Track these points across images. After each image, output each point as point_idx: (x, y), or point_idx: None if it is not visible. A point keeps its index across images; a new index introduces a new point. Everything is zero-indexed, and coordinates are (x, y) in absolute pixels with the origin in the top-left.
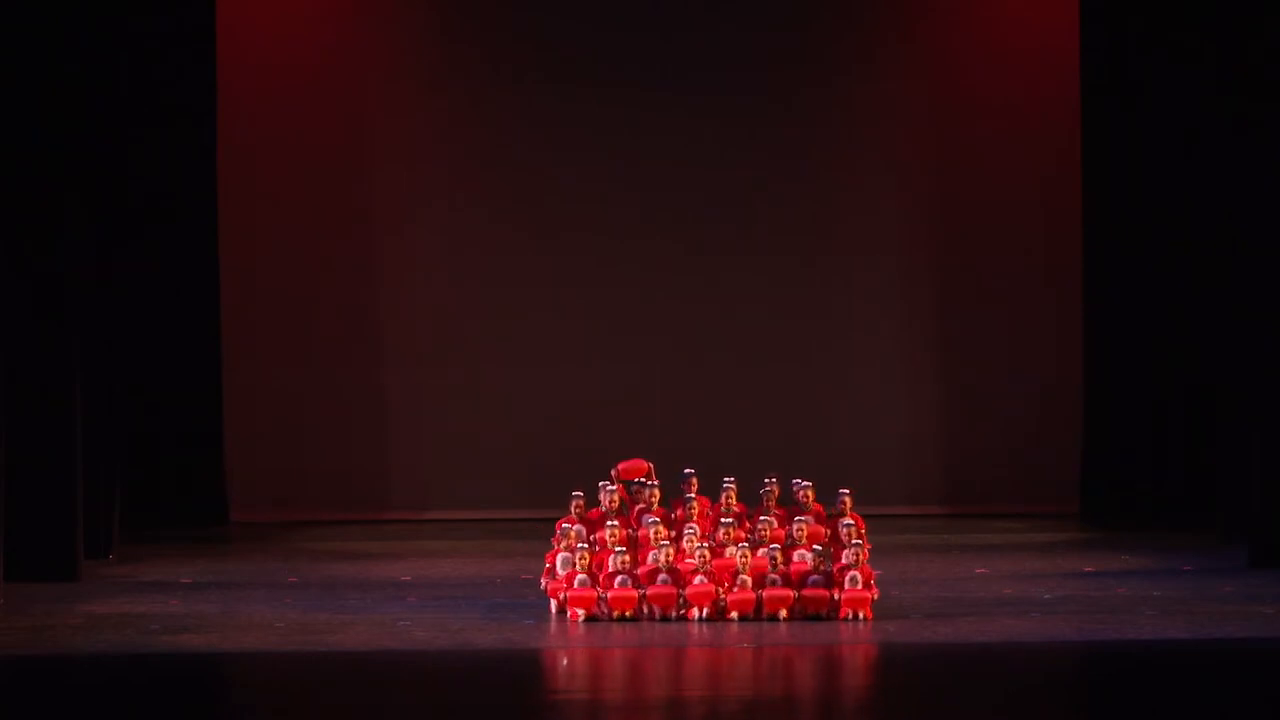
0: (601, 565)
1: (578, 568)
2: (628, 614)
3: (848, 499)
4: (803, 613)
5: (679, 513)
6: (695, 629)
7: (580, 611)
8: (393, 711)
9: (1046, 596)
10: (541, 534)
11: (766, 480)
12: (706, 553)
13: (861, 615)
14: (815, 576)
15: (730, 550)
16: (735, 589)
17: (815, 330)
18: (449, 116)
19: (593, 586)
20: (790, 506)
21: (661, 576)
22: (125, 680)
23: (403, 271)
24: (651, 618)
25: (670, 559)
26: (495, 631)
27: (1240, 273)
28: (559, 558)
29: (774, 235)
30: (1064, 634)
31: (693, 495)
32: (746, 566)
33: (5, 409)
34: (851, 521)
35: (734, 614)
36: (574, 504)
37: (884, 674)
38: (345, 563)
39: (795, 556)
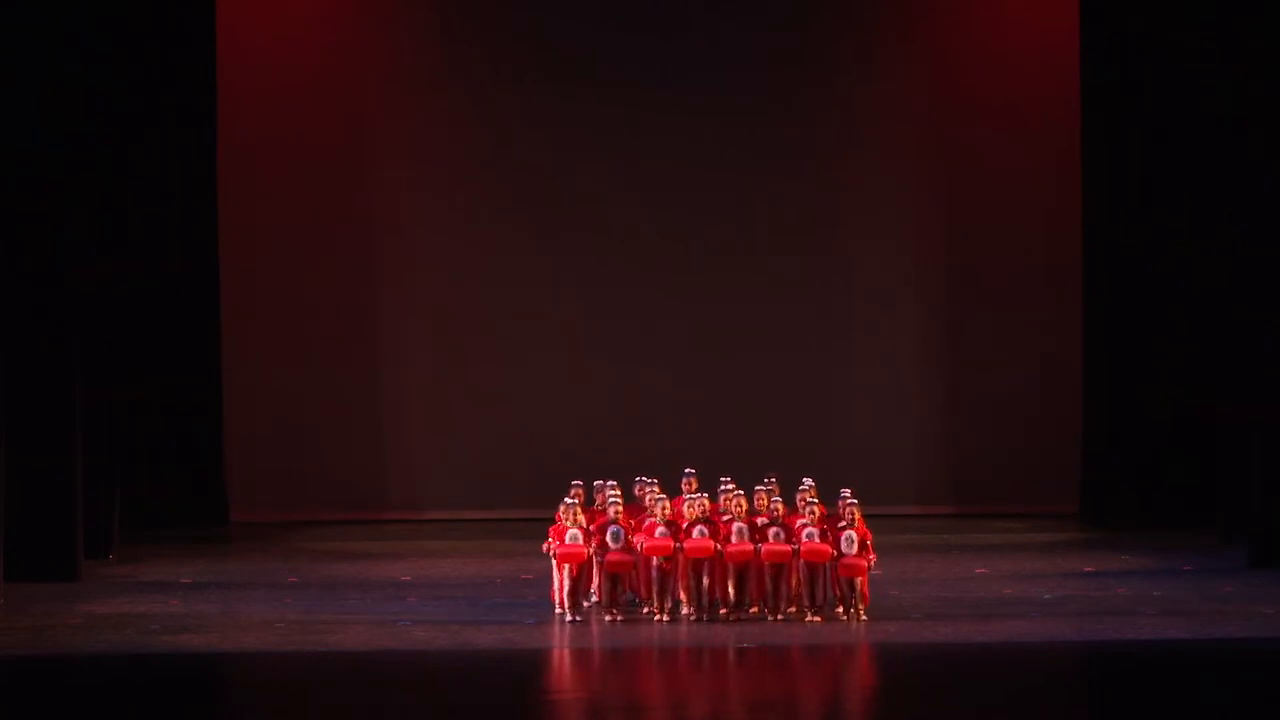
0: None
1: (570, 523)
2: (621, 591)
3: (853, 507)
4: (803, 605)
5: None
6: (694, 629)
7: (567, 568)
8: (393, 711)
9: (1046, 596)
10: (542, 534)
11: (766, 479)
12: (706, 501)
13: (857, 605)
14: (811, 530)
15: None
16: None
17: (815, 331)
18: (449, 116)
19: (585, 544)
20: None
21: (660, 530)
22: (125, 680)
23: (402, 272)
24: (645, 585)
25: (666, 512)
26: (495, 631)
27: (1240, 273)
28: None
29: (774, 235)
30: (1064, 634)
31: (694, 495)
32: (742, 512)
33: (5, 409)
34: (850, 529)
35: (729, 587)
36: (572, 492)
37: (884, 674)
38: (345, 563)
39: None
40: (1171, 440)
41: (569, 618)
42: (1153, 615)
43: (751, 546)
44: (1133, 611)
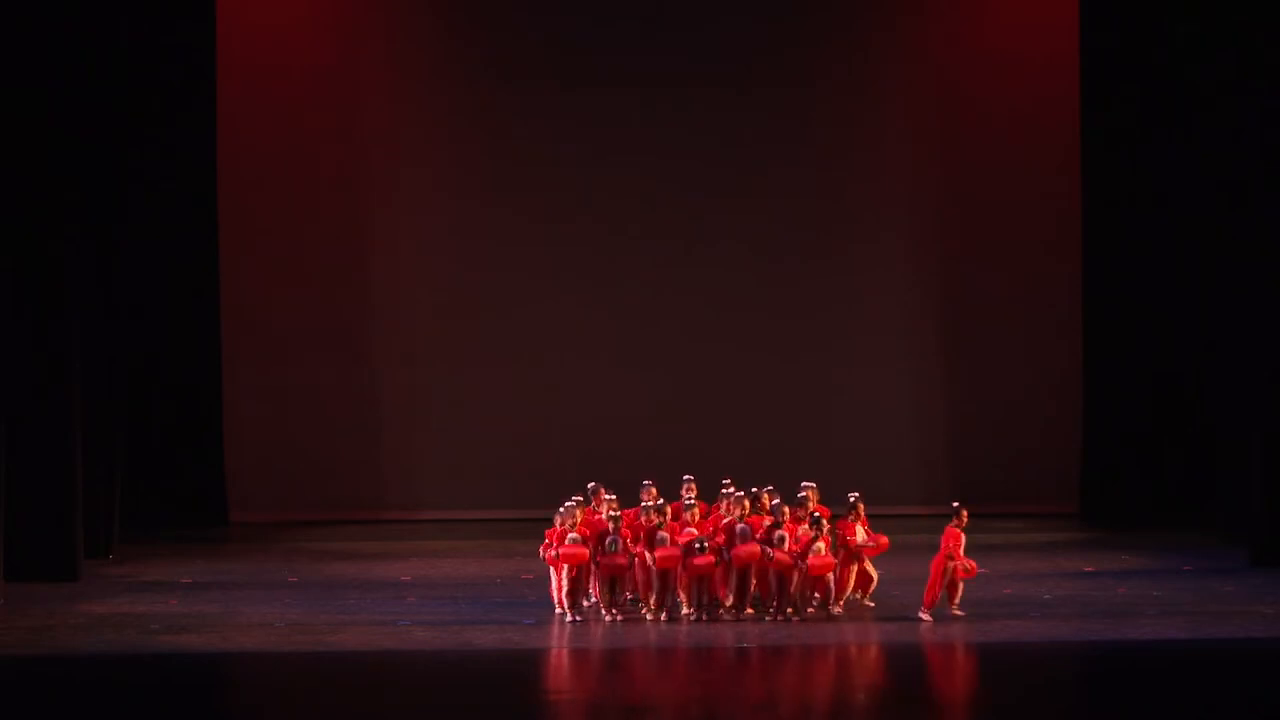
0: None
1: (568, 526)
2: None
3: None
4: (803, 597)
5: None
6: (694, 629)
7: (565, 571)
8: (393, 711)
9: (1046, 596)
10: (541, 535)
11: (754, 490)
12: (697, 511)
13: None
14: (817, 545)
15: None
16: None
17: (817, 333)
18: (448, 119)
19: (584, 546)
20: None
21: (660, 535)
22: (125, 680)
23: (402, 273)
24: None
25: (666, 518)
26: (495, 631)
27: (1240, 274)
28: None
29: (776, 238)
30: (1064, 634)
31: (693, 499)
32: (744, 514)
33: (6, 410)
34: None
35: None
36: (573, 499)
37: (884, 674)
38: (345, 563)
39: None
40: (1171, 441)
41: (569, 618)
42: (1153, 615)
43: (758, 548)
44: (1133, 611)
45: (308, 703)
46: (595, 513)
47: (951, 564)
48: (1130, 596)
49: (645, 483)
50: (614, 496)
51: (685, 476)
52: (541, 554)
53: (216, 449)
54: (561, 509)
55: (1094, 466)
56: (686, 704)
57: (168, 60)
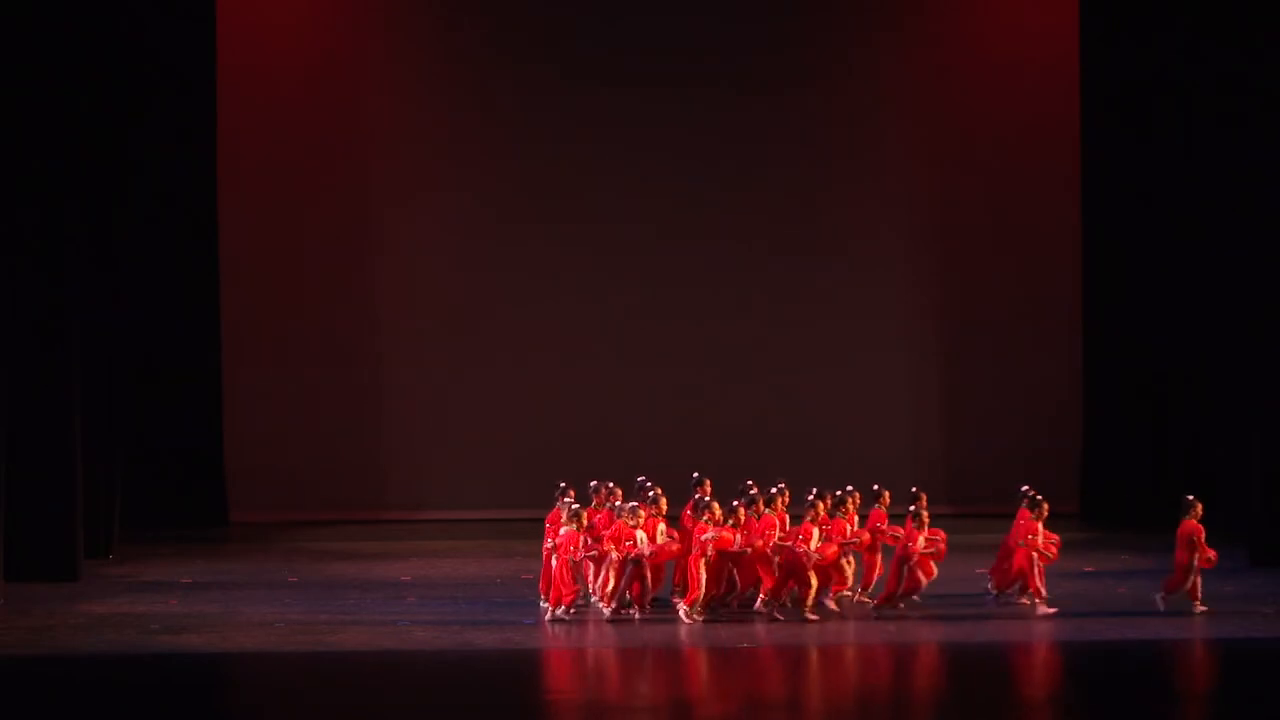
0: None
1: (574, 526)
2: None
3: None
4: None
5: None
6: (694, 629)
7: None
8: (393, 711)
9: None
10: (541, 534)
11: (774, 487)
12: (716, 507)
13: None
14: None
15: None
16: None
17: (818, 334)
18: (449, 120)
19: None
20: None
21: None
22: (125, 680)
23: (403, 274)
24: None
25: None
26: (495, 631)
27: (1239, 275)
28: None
29: (778, 240)
30: (1064, 634)
31: (707, 498)
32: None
33: (6, 410)
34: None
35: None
36: (570, 494)
37: (884, 673)
38: (345, 563)
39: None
40: (1171, 441)
41: (563, 612)
42: (1153, 615)
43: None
44: (1133, 611)
45: (308, 703)
46: (598, 511)
47: (1194, 555)
48: (1130, 596)
49: (695, 475)
50: (617, 489)
51: (694, 474)
52: (546, 548)
53: (216, 449)
54: (565, 510)
55: (1094, 466)
56: (687, 704)
57: (168, 60)
